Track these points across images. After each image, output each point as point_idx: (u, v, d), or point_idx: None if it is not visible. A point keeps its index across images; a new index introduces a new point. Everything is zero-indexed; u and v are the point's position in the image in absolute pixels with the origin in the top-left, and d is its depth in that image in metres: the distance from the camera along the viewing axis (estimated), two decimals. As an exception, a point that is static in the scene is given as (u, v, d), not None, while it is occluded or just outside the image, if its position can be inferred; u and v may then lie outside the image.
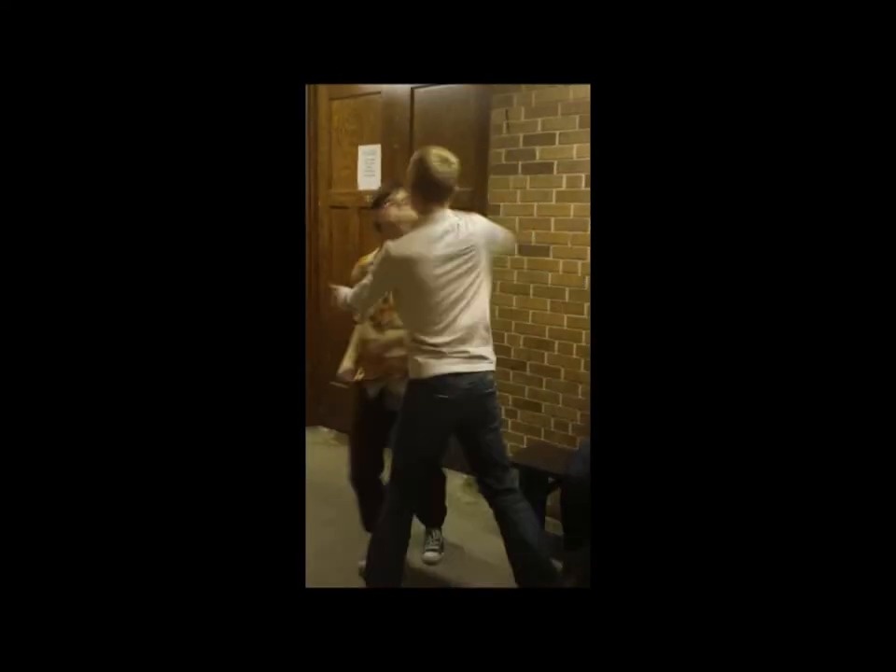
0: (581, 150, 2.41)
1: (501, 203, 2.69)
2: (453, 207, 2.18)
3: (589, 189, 2.41)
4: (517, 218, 2.64)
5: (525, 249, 2.64)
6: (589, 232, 2.43)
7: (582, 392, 2.57)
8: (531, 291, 2.66)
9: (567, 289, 2.54)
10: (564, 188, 2.49)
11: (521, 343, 2.72)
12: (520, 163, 2.61)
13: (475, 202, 2.85)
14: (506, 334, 2.75)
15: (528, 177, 2.59)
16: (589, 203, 2.41)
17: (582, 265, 2.47)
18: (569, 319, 2.56)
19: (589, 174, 2.40)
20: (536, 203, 2.58)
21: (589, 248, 2.44)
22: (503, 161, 2.65)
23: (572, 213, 2.48)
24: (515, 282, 2.69)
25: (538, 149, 2.54)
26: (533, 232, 2.61)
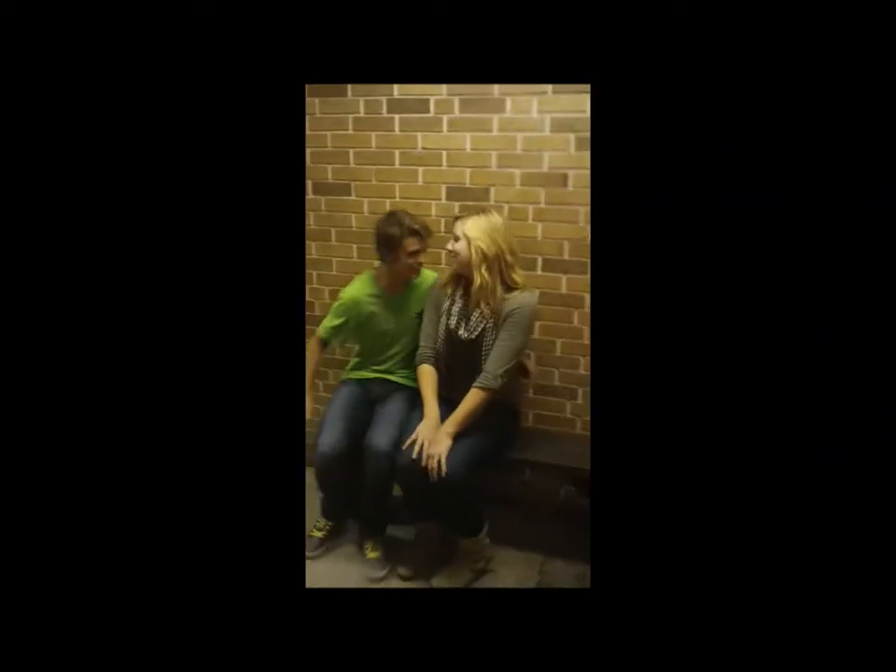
0: (379, 69, 2.08)
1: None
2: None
3: (394, 116, 2.11)
4: (308, 150, 2.24)
5: (320, 188, 2.27)
6: (397, 166, 2.15)
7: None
8: (333, 236, 2.32)
9: (376, 232, 2.25)
10: (362, 114, 2.15)
11: (326, 295, 2.39)
12: (306, 85, 2.19)
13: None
14: (308, 287, 2.39)
15: (317, 101, 2.19)
16: (394, 133, 2.12)
17: (391, 204, 2.19)
18: (381, 266, 2.29)
19: (391, 98, 2.09)
20: (329, 133, 2.21)
21: (398, 185, 2.18)
22: (283, 81, 2.21)
23: (374, 143, 2.16)
24: (312, 226, 2.32)
25: (326, 67, 2.15)
26: (329, 167, 2.25)
